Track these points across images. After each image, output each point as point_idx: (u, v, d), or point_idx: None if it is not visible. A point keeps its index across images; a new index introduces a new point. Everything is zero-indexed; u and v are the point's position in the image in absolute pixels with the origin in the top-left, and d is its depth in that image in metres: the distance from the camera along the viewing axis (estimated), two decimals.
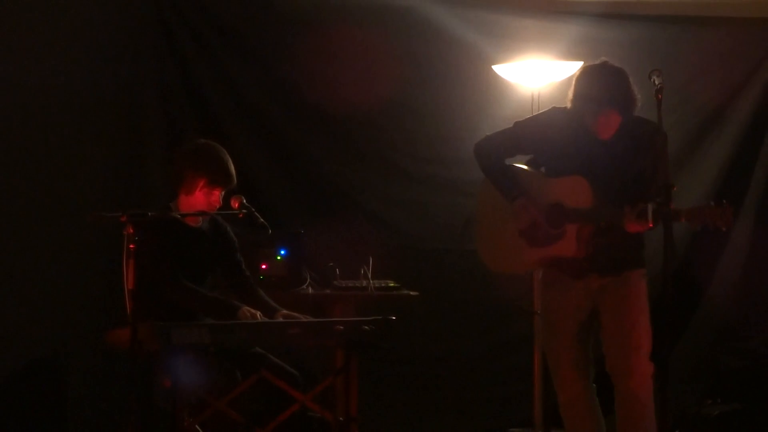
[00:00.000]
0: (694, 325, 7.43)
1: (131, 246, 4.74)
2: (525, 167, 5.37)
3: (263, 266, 6.42)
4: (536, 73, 6.92)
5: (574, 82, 5.15)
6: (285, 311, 5.38)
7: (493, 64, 7.09)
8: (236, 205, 5.37)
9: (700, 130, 7.54)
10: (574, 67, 6.87)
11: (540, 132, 5.24)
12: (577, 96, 5.10)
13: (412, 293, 6.54)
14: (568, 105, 5.16)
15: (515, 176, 5.32)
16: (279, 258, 6.47)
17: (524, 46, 7.03)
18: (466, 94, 7.44)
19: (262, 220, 5.38)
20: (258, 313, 5.25)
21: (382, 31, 7.26)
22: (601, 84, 5.04)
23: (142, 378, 4.99)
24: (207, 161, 5.42)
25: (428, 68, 7.42)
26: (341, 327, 5.09)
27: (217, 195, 5.43)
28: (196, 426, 5.04)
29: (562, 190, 5.13)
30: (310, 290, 6.45)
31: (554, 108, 5.29)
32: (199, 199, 5.42)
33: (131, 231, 4.74)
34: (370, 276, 6.46)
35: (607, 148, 5.09)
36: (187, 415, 4.93)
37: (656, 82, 4.78)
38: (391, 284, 6.53)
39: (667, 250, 4.63)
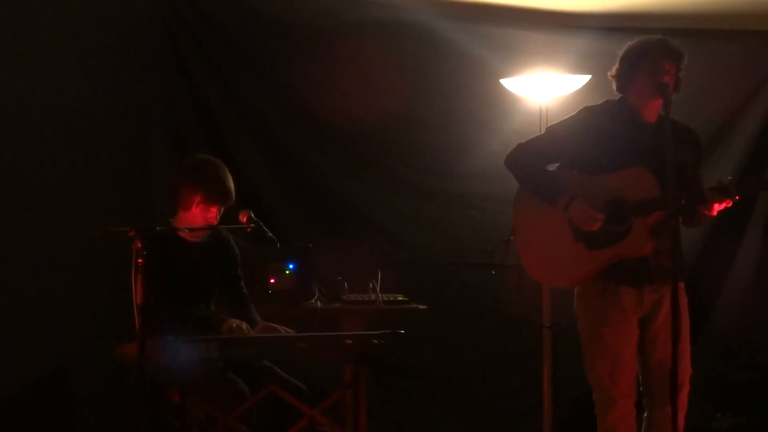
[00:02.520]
0: (703, 337, 7.41)
1: (140, 260, 4.74)
2: (564, 170, 5.12)
3: (272, 280, 6.42)
4: (544, 87, 6.92)
5: (622, 55, 5.04)
6: (263, 323, 5.41)
7: (501, 77, 7.09)
8: (245, 219, 5.35)
9: (708, 143, 7.49)
10: (582, 80, 6.88)
11: (580, 130, 5.02)
12: (628, 57, 5.02)
13: (420, 307, 6.53)
14: (613, 84, 5.07)
15: (560, 180, 5.05)
16: (287, 272, 6.46)
17: (532, 60, 7.03)
18: (473, 107, 7.44)
19: (270, 234, 5.37)
20: (244, 324, 5.25)
21: (390, 45, 7.27)
22: (655, 37, 4.99)
23: (151, 393, 4.98)
24: (203, 178, 5.40)
25: (436, 82, 7.42)
26: (350, 341, 5.07)
27: (214, 212, 5.41)
28: None
29: (621, 184, 4.89)
30: (319, 304, 6.44)
31: (586, 107, 5.10)
32: (196, 215, 5.40)
33: (139, 245, 4.74)
34: (378, 290, 6.45)
35: (654, 135, 4.89)
36: (195, 431, 4.93)
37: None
38: (400, 298, 6.52)
39: (675, 260, 4.61)
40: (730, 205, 4.82)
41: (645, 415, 5.07)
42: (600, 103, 5.13)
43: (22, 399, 6.47)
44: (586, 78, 6.92)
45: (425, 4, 7.35)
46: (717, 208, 4.81)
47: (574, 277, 5.07)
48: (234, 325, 5.21)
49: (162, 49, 7.03)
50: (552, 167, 5.15)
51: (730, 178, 4.80)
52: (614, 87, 5.10)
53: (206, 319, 5.33)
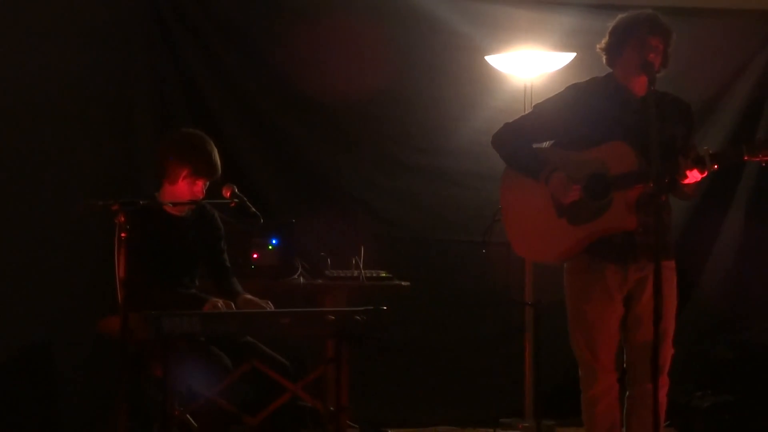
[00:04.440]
0: (685, 317, 7.43)
1: (123, 234, 4.73)
2: (550, 148, 5.11)
3: (255, 255, 6.42)
4: (529, 64, 6.92)
5: (611, 29, 5.02)
6: (246, 296, 5.41)
7: (486, 54, 7.10)
8: (228, 194, 5.34)
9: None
10: (567, 58, 6.89)
11: (566, 108, 5.02)
12: (616, 31, 4.99)
13: (403, 283, 6.55)
14: (603, 57, 5.05)
15: (543, 156, 5.06)
16: (270, 247, 6.46)
17: (517, 37, 7.03)
18: (458, 84, 7.44)
19: (253, 209, 5.36)
20: (219, 302, 5.23)
21: (374, 21, 7.25)
22: (644, 12, 4.98)
23: (133, 367, 4.98)
24: (191, 151, 5.38)
25: (421, 59, 7.41)
26: (332, 317, 5.07)
27: (201, 186, 5.39)
28: (187, 415, 5.04)
29: (601, 158, 4.90)
30: (302, 280, 6.45)
31: (572, 85, 5.10)
32: (182, 189, 5.38)
33: (123, 219, 4.73)
34: (361, 266, 6.46)
35: (640, 110, 4.87)
36: (177, 404, 4.93)
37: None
38: (383, 274, 6.54)
39: (657, 238, 4.61)
40: (705, 175, 4.82)
41: (627, 394, 5.10)
42: (586, 80, 5.13)
43: (5, 372, 6.46)
44: (571, 56, 6.92)
45: None
46: (690, 176, 4.80)
47: (558, 252, 5.09)
48: (219, 304, 5.21)
49: (149, 24, 6.99)
50: (538, 146, 5.16)
51: (706, 148, 4.80)
52: (604, 60, 5.09)
53: (190, 297, 5.32)
